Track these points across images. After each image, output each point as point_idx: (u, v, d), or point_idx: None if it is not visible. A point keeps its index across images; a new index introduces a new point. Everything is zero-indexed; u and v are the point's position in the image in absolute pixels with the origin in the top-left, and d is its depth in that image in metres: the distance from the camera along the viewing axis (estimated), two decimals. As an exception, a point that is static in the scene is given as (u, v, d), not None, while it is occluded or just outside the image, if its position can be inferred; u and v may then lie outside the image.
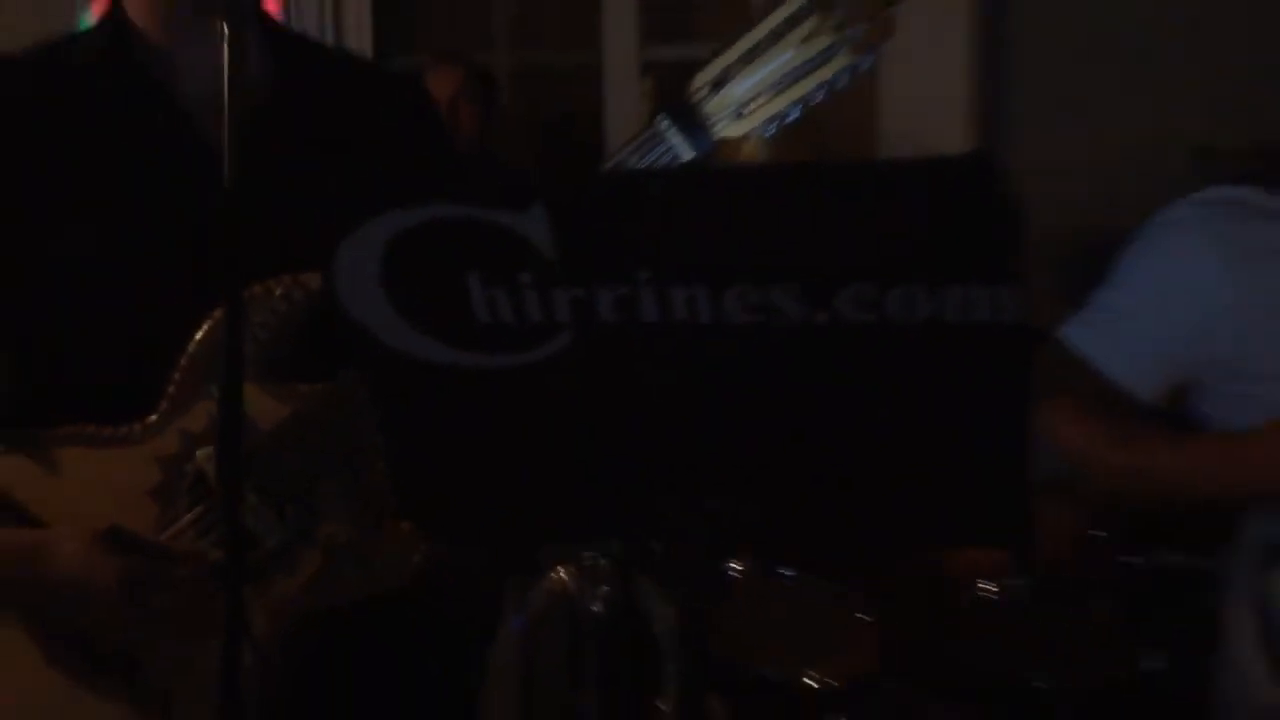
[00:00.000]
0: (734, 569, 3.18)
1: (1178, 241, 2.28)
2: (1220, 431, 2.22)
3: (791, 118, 1.71)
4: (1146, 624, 3.12)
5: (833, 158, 4.19)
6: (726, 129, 1.71)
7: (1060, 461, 2.42)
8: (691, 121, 1.72)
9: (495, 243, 1.33)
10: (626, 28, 4.55)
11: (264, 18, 2.00)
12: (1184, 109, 4.37)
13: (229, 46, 1.56)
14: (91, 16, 4.23)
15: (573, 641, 3.30)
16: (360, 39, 4.43)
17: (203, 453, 1.80)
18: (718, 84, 1.72)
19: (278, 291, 1.81)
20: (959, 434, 1.36)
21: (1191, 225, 2.27)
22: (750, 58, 1.71)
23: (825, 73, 1.67)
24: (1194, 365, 2.26)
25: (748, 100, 1.71)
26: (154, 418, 1.83)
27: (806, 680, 3.12)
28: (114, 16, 1.93)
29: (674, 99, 1.73)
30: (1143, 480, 2.28)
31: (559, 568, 3.12)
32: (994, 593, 3.16)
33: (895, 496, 1.45)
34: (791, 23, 1.68)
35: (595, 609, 3.12)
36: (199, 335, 1.82)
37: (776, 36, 1.69)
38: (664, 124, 1.72)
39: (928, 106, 4.25)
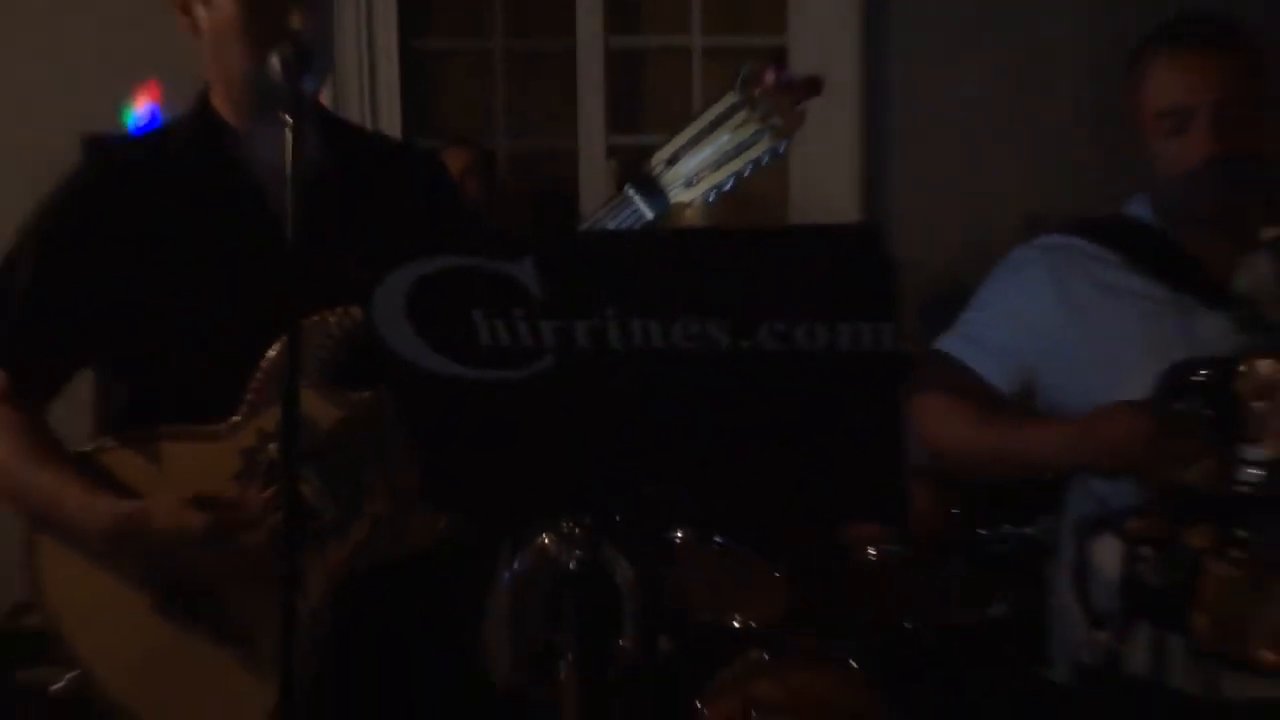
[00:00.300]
0: (678, 538, 3.18)
1: (1025, 274, 2.26)
2: (1057, 417, 2.19)
3: (727, 187, 1.71)
4: (992, 580, 3.14)
5: (756, 221, 4.20)
6: (678, 196, 1.71)
7: (931, 452, 2.41)
8: (652, 189, 1.70)
9: (495, 285, 1.35)
10: (596, 120, 4.50)
11: (319, 107, 1.99)
12: (1020, 185, 4.33)
13: (291, 133, 1.57)
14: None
15: (552, 591, 3.29)
16: (391, 124, 4.37)
17: (273, 446, 1.79)
18: (671, 161, 1.71)
19: (331, 320, 1.79)
20: (849, 434, 1.36)
21: (1035, 262, 2.25)
22: (696, 141, 1.71)
23: (753, 153, 1.69)
24: (1035, 364, 2.23)
25: (694, 174, 1.71)
26: (236, 419, 1.81)
27: (733, 623, 3.15)
28: (202, 108, 1.92)
29: (638, 172, 1.73)
30: (997, 455, 2.24)
31: (543, 534, 3.12)
32: (876, 556, 3.16)
33: (801, 482, 1.45)
34: (726, 115, 1.69)
35: (571, 566, 3.11)
36: (269, 355, 1.80)
37: (715, 125, 1.70)
38: (630, 191, 1.71)
39: (826, 180, 4.21)
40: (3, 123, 4.19)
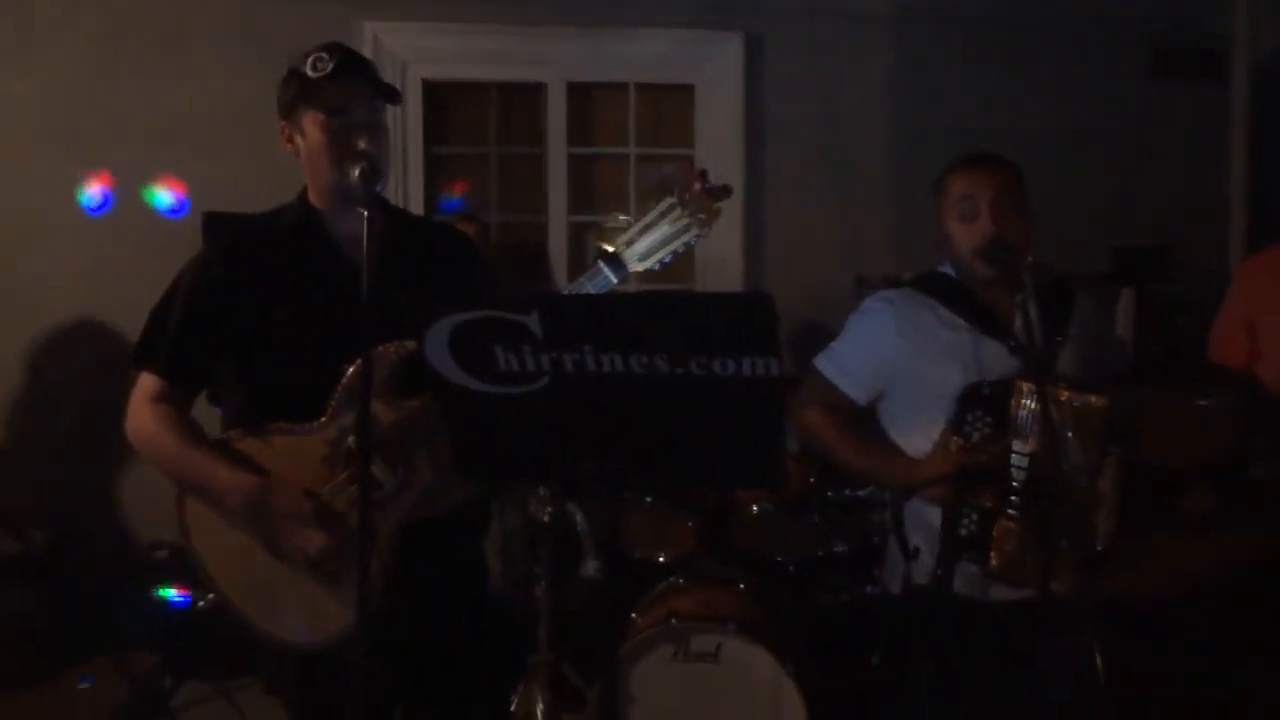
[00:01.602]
0: (623, 498, 3.20)
1: (876, 316, 2.23)
2: (883, 446, 2.19)
3: (668, 260, 1.75)
4: (838, 527, 3.18)
5: (675, 275, 4.23)
6: (634, 267, 1.74)
7: (804, 441, 2.41)
8: (616, 263, 1.74)
9: (510, 329, 1.37)
10: (560, 204, 4.50)
11: (383, 200, 1.96)
12: (849, 254, 4.35)
13: (366, 221, 1.61)
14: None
15: (532, 535, 3.29)
16: (417, 203, 4.36)
17: (351, 438, 1.78)
18: (629, 243, 1.75)
19: (392, 349, 1.77)
20: (748, 429, 1.39)
21: (883, 308, 2.23)
22: (645, 230, 1.75)
23: (685, 237, 1.74)
24: (882, 383, 2.21)
25: (646, 252, 1.75)
26: (323, 418, 1.80)
27: (658, 558, 3.19)
28: (302, 199, 1.92)
29: (606, 252, 1.76)
30: (847, 465, 2.25)
31: (526, 497, 3.12)
32: (757, 510, 3.19)
33: (714, 461, 1.47)
34: (667, 211, 1.74)
35: (544, 519, 3.09)
36: (349, 372, 1.79)
37: (659, 218, 1.74)
38: (601, 264, 1.74)
39: (721, 247, 4.21)
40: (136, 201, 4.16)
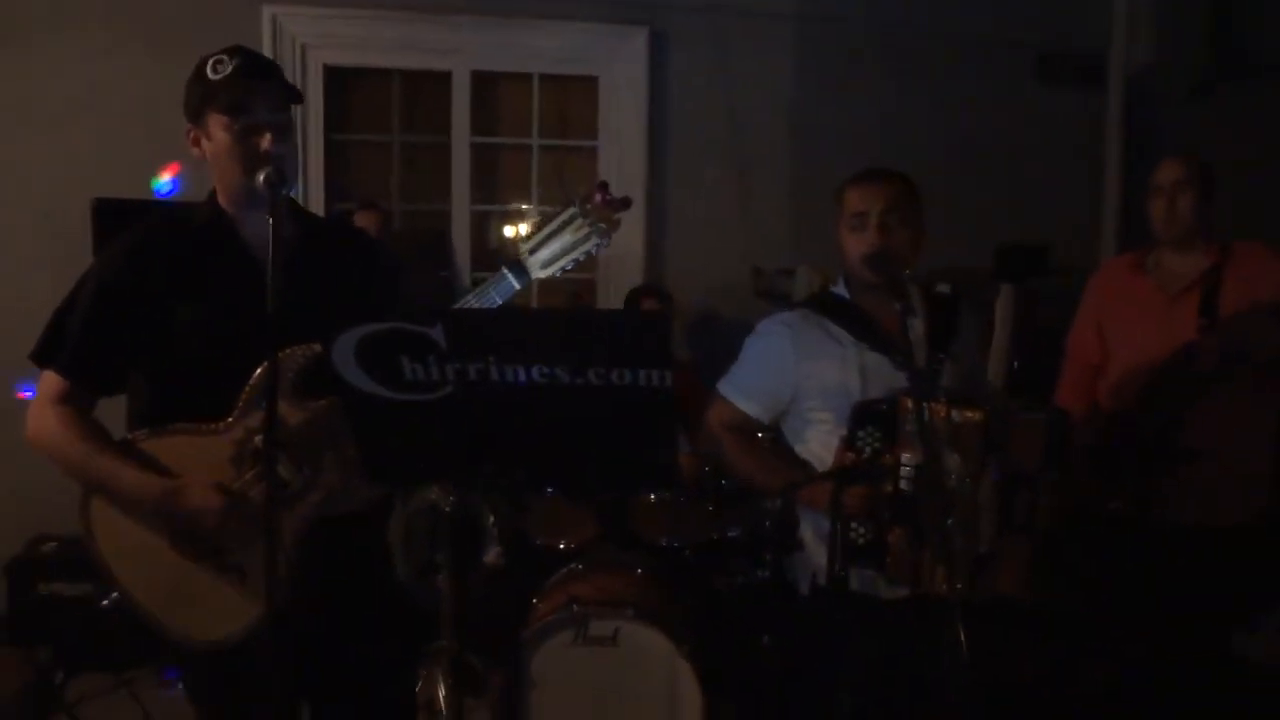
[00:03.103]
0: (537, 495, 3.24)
1: (770, 337, 2.29)
2: (770, 460, 2.27)
3: (570, 268, 1.79)
4: (731, 513, 3.23)
5: (579, 276, 4.31)
6: (537, 274, 1.77)
7: (714, 460, 2.49)
8: (519, 269, 1.77)
9: (416, 340, 1.43)
10: (463, 193, 4.50)
11: (291, 202, 1.97)
12: (748, 247, 4.46)
13: (271, 227, 1.64)
14: (164, 178, 4.00)
15: (433, 523, 3.31)
16: (317, 192, 4.30)
17: (258, 438, 1.77)
18: (533, 250, 1.78)
19: (299, 352, 1.77)
20: (643, 433, 1.48)
21: (777, 329, 2.29)
22: (549, 238, 1.78)
23: (587, 246, 1.78)
24: (781, 402, 2.27)
25: (549, 259, 1.78)
26: (230, 419, 1.79)
27: (559, 545, 3.25)
28: (211, 201, 1.91)
29: (509, 258, 1.79)
30: (747, 479, 2.32)
31: (427, 489, 3.12)
32: (656, 499, 3.26)
33: (608, 464, 1.56)
34: (569, 220, 1.78)
35: (447, 509, 3.10)
36: (256, 374, 1.78)
37: (562, 227, 1.78)
38: (505, 270, 1.77)
39: (624, 243, 4.28)
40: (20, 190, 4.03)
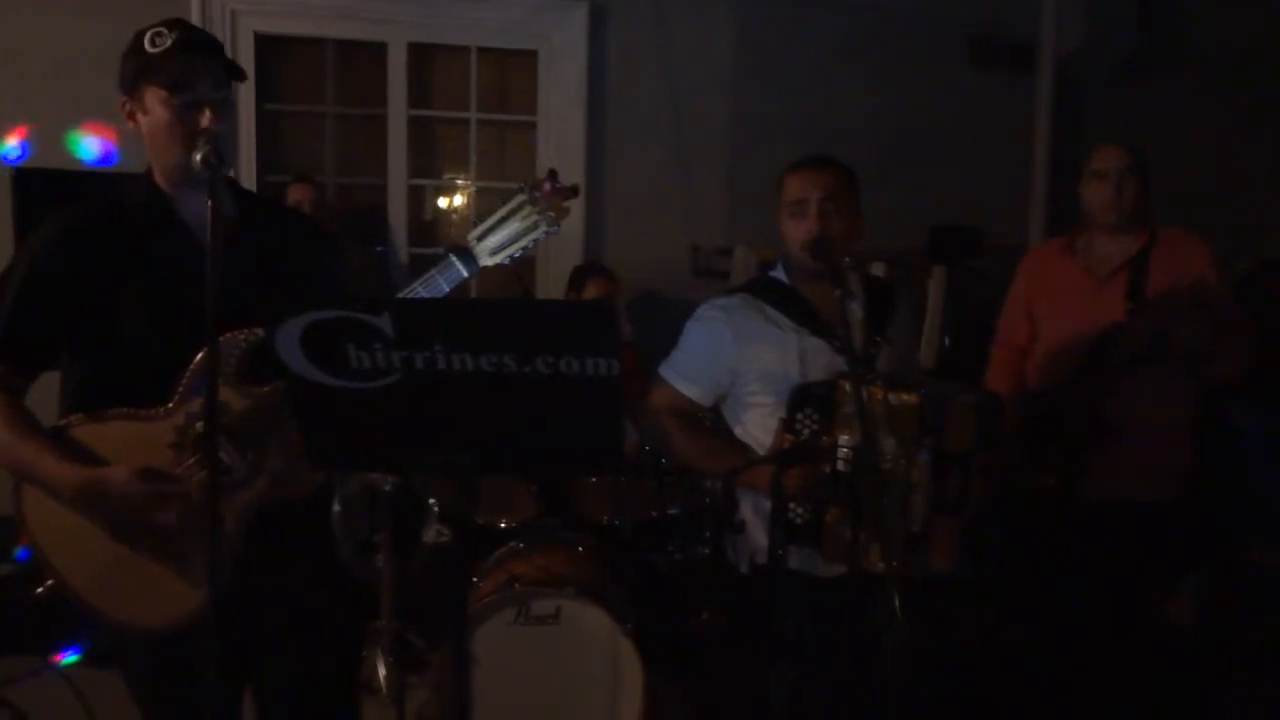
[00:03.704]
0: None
1: (709, 324, 2.31)
2: (725, 444, 2.29)
3: (518, 255, 1.80)
4: (671, 491, 3.28)
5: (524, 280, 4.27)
6: (485, 261, 1.77)
7: (655, 442, 2.52)
8: (467, 257, 1.77)
9: (363, 329, 1.41)
10: (399, 166, 4.44)
11: (230, 181, 1.93)
12: (687, 225, 4.53)
13: (210, 208, 1.61)
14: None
15: (372, 502, 3.30)
16: (248, 166, 4.18)
17: (199, 424, 1.75)
18: (480, 238, 1.78)
19: (241, 336, 1.76)
20: (589, 419, 1.47)
21: (716, 314, 2.31)
22: (498, 225, 1.78)
23: (535, 233, 1.79)
24: (722, 386, 2.30)
25: (497, 246, 1.78)
26: (170, 404, 1.78)
27: (500, 523, 3.27)
28: (147, 180, 1.87)
29: (456, 244, 1.78)
30: (688, 462, 2.38)
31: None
32: (596, 479, 3.27)
33: (555, 448, 1.55)
34: (518, 209, 1.78)
35: (387, 489, 3.10)
36: (196, 358, 1.76)
37: (510, 214, 1.78)
38: (452, 257, 1.76)
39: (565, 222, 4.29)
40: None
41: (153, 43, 1.78)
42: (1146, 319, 2.61)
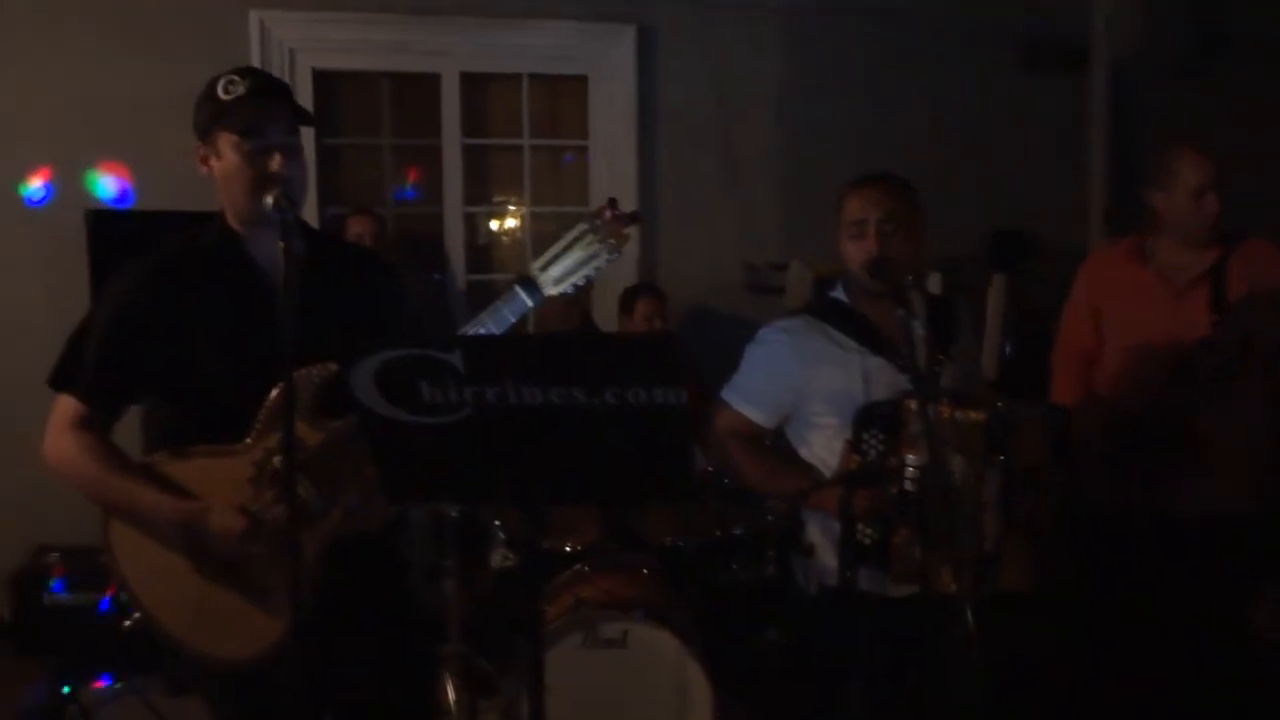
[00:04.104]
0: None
1: (772, 345, 2.31)
2: (778, 466, 2.30)
3: (581, 284, 1.82)
4: (734, 511, 3.27)
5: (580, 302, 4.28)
6: (549, 291, 1.79)
7: (718, 466, 2.52)
8: (531, 287, 1.79)
9: (436, 366, 1.44)
10: (455, 194, 4.49)
11: (300, 221, 1.94)
12: (739, 242, 4.53)
13: (283, 250, 1.67)
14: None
15: (438, 528, 3.32)
16: (310, 198, 4.24)
17: (277, 458, 1.79)
18: (544, 268, 1.80)
19: (314, 372, 1.79)
20: (660, 449, 1.49)
21: (778, 336, 2.31)
22: (560, 254, 1.81)
23: (598, 261, 1.81)
24: (785, 408, 2.29)
25: (560, 276, 1.80)
26: (249, 440, 1.82)
27: (565, 547, 3.28)
28: (220, 222, 1.92)
29: (522, 275, 1.81)
30: (755, 485, 2.39)
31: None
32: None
33: (626, 479, 1.57)
34: (580, 237, 1.81)
35: (453, 515, 3.12)
36: (272, 394, 1.80)
37: (573, 244, 1.81)
38: (517, 288, 1.79)
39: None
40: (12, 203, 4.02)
41: (226, 90, 1.84)
42: (1231, 323, 2.53)
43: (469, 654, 3.17)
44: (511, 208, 4.71)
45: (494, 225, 4.74)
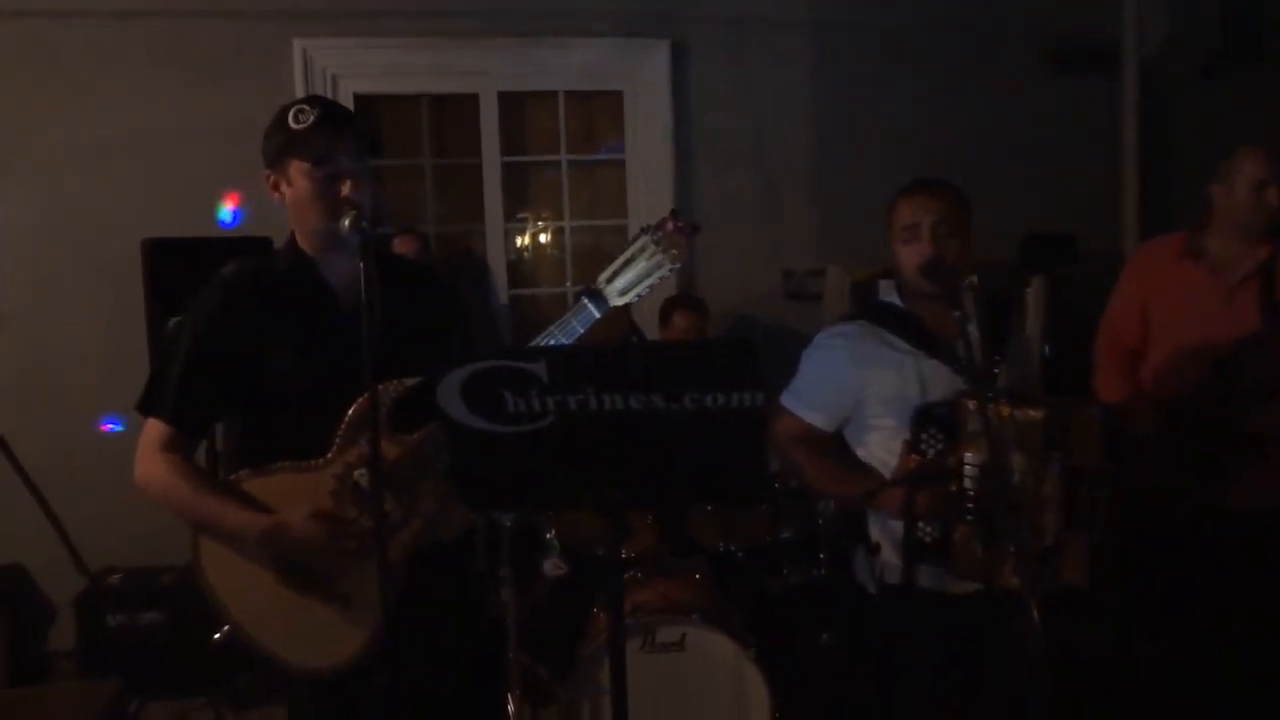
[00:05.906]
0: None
1: (829, 350, 2.33)
2: (840, 469, 2.30)
3: (645, 293, 1.87)
4: (785, 515, 3.29)
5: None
6: (615, 301, 1.84)
7: (781, 469, 2.54)
8: (598, 299, 1.84)
9: (519, 376, 1.48)
10: (496, 211, 4.55)
11: (375, 243, 1.98)
12: (774, 251, 4.55)
13: (363, 266, 1.70)
14: (227, 207, 4.08)
15: (492, 536, 3.36)
16: None
17: (358, 472, 1.84)
18: (610, 279, 1.85)
19: (391, 387, 1.83)
20: (737, 452, 1.52)
21: (835, 341, 2.33)
22: (624, 267, 1.85)
23: (661, 272, 1.85)
24: (844, 411, 2.31)
25: (625, 287, 1.85)
26: (330, 454, 1.86)
27: (624, 554, 3.31)
28: (292, 245, 1.98)
29: (588, 287, 1.85)
30: (817, 489, 2.38)
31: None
32: (709, 508, 3.27)
33: (705, 480, 1.59)
34: (643, 249, 1.86)
35: (508, 524, 3.15)
36: (352, 410, 1.84)
37: (636, 256, 1.85)
38: (585, 300, 1.83)
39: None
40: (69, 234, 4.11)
41: (296, 119, 1.89)
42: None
43: (529, 663, 3.20)
44: (547, 223, 4.76)
45: (534, 240, 4.79)
